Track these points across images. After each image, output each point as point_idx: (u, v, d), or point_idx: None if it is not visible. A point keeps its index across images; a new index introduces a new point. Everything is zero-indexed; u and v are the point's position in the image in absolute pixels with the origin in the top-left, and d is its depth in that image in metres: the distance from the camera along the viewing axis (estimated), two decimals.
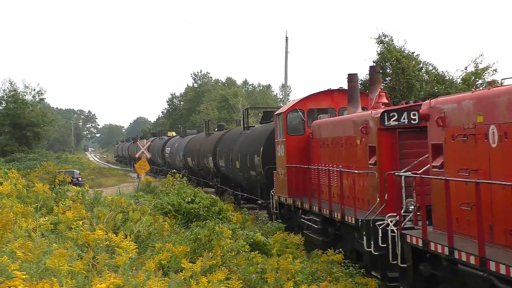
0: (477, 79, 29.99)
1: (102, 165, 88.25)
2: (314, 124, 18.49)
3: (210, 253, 11.38)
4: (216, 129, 44.62)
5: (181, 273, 9.84)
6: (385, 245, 12.18)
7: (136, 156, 40.57)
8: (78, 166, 63.10)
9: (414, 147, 13.07)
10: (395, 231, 11.77)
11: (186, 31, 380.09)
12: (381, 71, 31.93)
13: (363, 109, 17.24)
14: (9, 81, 73.54)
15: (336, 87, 20.00)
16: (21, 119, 66.62)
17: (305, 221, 17.32)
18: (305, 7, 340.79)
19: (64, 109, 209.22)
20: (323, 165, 17.09)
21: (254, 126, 30.17)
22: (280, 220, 19.51)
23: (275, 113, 20.92)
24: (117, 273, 8.65)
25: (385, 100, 15.95)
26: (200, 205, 18.77)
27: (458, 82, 30.77)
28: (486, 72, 30.28)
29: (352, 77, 17.60)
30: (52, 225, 12.83)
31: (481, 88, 10.48)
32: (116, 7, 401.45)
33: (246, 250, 13.25)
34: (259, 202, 27.10)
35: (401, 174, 12.10)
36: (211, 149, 35.92)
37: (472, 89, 11.29)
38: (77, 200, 17.27)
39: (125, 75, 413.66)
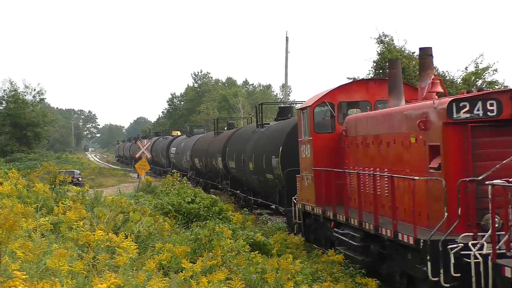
0: (477, 79, 30.00)
1: (102, 165, 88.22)
2: (349, 119, 15.66)
3: (210, 253, 11.38)
4: (226, 128, 42.04)
5: (181, 273, 9.84)
6: (459, 274, 9.69)
7: (136, 156, 40.61)
8: (78, 166, 63.12)
9: (492, 146, 10.59)
10: (480, 257, 9.30)
11: (186, 31, 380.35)
12: (381, 71, 32.00)
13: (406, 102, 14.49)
14: (10, 81, 73.33)
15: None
16: (21, 119, 66.61)
17: (339, 236, 14.65)
18: (305, 7, 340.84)
19: (64, 109, 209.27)
20: (360, 168, 14.29)
21: (269, 124, 27.12)
22: (303, 232, 17.33)
23: (299, 108, 17.93)
24: (118, 273, 8.65)
25: (439, 89, 12.96)
26: (200, 205, 18.78)
27: (458, 82, 30.75)
28: (486, 72, 30.26)
29: (393, 63, 14.89)
30: (52, 225, 12.85)
31: None
32: (116, 7, 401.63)
33: (246, 250, 13.25)
34: (272, 207, 25.33)
35: (493, 183, 9.13)
36: (220, 149, 33.38)
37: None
38: (77, 200, 17.27)
39: (125, 75, 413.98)
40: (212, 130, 54.29)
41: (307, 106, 16.79)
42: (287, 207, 19.55)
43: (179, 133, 65.60)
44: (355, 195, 14.12)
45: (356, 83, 16.83)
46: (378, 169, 13.30)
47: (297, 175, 17.96)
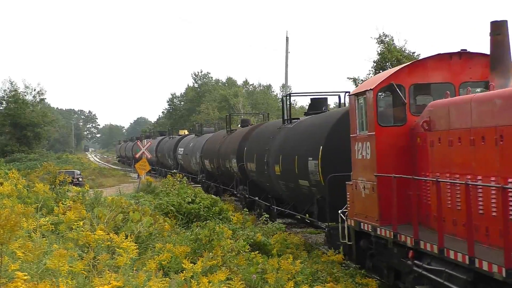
0: None
1: (102, 166, 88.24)
2: (436, 106, 11.16)
3: (211, 254, 11.38)
4: (239, 125, 37.50)
5: (181, 274, 9.85)
6: None
7: (137, 156, 40.61)
8: (78, 166, 63.08)
9: None
10: None
11: (186, 31, 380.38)
12: (381, 71, 32.03)
13: None
14: (10, 81, 73.72)
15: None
16: (21, 119, 66.64)
17: (424, 272, 10.26)
18: (305, 7, 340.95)
19: (64, 109, 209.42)
20: (457, 176, 10.28)
21: (298, 119, 22.61)
22: (356, 256, 13.56)
23: (353, 93, 13.51)
24: (118, 273, 8.65)
25: None
26: (201, 205, 18.78)
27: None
28: None
29: (499, 27, 10.71)
30: (52, 226, 12.86)
31: None
32: (116, 7, 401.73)
33: (247, 250, 13.26)
34: (298, 216, 21.79)
35: None
36: (234, 149, 28.83)
37: None
38: (78, 201, 17.30)
39: (125, 75, 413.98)
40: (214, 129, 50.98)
41: (366, 90, 12.47)
42: (332, 222, 15.30)
43: (186, 132, 61.32)
44: (456, 216, 10.07)
45: (433, 59, 12.30)
46: (493, 179, 9.30)
47: (347, 182, 13.74)
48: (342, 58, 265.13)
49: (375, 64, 32.69)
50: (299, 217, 21.79)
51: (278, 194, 22.64)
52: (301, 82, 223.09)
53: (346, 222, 13.80)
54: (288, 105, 23.11)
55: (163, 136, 65.01)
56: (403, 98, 12.09)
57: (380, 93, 12.33)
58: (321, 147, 16.86)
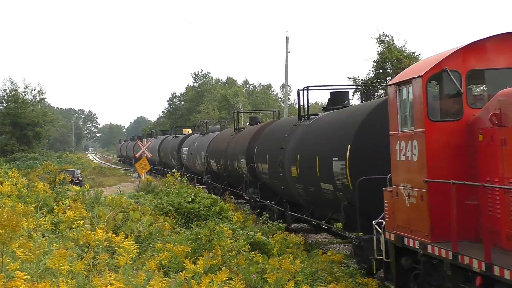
0: None
1: (102, 165, 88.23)
2: (509, 96, 9.00)
3: (211, 253, 11.38)
4: (248, 123, 35.41)
5: (181, 273, 9.84)
6: None
7: (137, 155, 40.61)
8: (78, 166, 63.08)
9: None
10: None
11: (187, 31, 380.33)
12: (381, 70, 32.05)
13: None
14: (10, 80, 73.58)
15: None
16: (21, 119, 66.69)
17: None
18: (305, 7, 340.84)
19: (64, 108, 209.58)
20: None
21: (317, 115, 20.04)
22: (395, 277, 11.34)
23: (394, 82, 11.20)
24: (118, 273, 8.65)
25: None
26: (201, 205, 18.77)
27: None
28: None
29: None
30: (52, 225, 12.85)
31: None
32: (116, 7, 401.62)
33: (247, 250, 13.26)
34: (324, 226, 19.57)
35: None
36: (243, 149, 26.67)
37: None
38: (78, 200, 17.31)
39: (125, 75, 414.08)
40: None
41: (413, 78, 10.36)
42: (366, 232, 13.17)
43: (190, 131, 59.16)
44: None
45: (494, 40, 10.12)
46: None
47: (385, 189, 11.60)
48: (342, 58, 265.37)
49: (375, 64, 32.69)
50: (324, 226, 19.43)
51: (295, 198, 19.88)
52: (301, 82, 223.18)
53: (383, 235, 11.56)
54: (306, 100, 20.20)
55: (166, 135, 62.66)
56: (459, 87, 9.97)
57: (429, 82, 10.17)
58: (349, 145, 14.42)
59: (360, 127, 14.54)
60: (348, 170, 14.36)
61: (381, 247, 11.63)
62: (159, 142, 59.39)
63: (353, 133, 14.60)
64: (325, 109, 20.65)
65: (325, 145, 16.36)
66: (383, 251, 11.54)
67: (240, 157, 27.32)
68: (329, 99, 20.77)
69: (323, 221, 17.90)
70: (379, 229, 11.70)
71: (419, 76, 10.14)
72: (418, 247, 10.14)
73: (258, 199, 24.62)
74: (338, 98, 20.27)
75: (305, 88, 20.41)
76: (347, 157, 14.41)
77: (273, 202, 22.67)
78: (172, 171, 31.84)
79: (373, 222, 11.88)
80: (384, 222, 11.55)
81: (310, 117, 19.83)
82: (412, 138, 10.42)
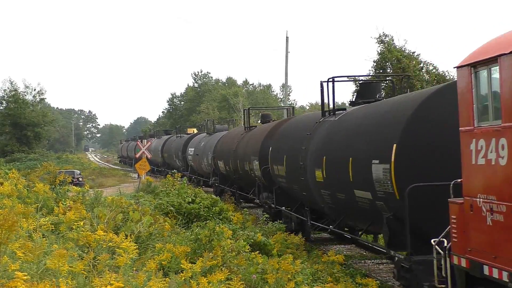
0: None
1: (102, 165, 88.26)
2: None
3: (211, 254, 11.38)
4: (259, 121, 32.50)
5: (181, 274, 9.85)
6: None
7: (137, 156, 40.63)
8: (78, 166, 63.13)
9: None
10: None
11: (186, 31, 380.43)
12: (381, 70, 32.04)
13: None
14: (10, 81, 73.60)
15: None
16: (21, 119, 66.73)
17: None
18: (305, 7, 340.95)
19: (64, 109, 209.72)
20: None
21: (344, 110, 17.14)
22: None
23: (467, 63, 8.63)
24: (118, 273, 8.66)
25: None
26: (201, 205, 18.77)
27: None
28: None
29: None
30: (52, 226, 12.86)
31: None
32: (116, 7, 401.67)
33: (247, 250, 13.25)
34: (360, 241, 17.43)
35: None
36: (256, 149, 24.11)
37: None
38: (78, 201, 17.30)
39: (125, 75, 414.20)
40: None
41: (501, 55, 7.69)
42: (413, 253, 10.90)
43: (195, 130, 56.45)
44: None
45: None
46: None
47: (452, 200, 9.27)
48: (342, 58, 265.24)
49: (375, 64, 32.69)
50: (361, 241, 17.06)
51: (318, 206, 17.10)
52: (301, 82, 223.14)
53: (449, 259, 9.21)
54: (331, 93, 17.26)
55: (170, 135, 59.77)
56: None
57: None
58: (395, 145, 11.64)
59: (409, 122, 11.66)
60: (393, 175, 11.53)
61: (442, 273, 9.28)
62: (162, 142, 57.64)
63: (400, 130, 11.74)
64: (353, 103, 17.72)
65: (361, 144, 13.54)
66: (448, 279, 9.17)
67: (252, 159, 24.60)
68: (358, 91, 18.01)
69: (359, 234, 15.33)
70: (440, 251, 9.40)
71: (503, 55, 7.60)
72: (507, 280, 7.65)
73: (273, 205, 21.61)
74: (369, 90, 17.33)
75: (330, 79, 17.43)
76: (393, 159, 11.59)
77: (288, 208, 20.10)
78: (172, 171, 31.68)
79: (432, 241, 9.50)
80: (448, 242, 9.22)
81: (337, 112, 16.91)
82: (498, 136, 7.84)
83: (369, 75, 17.59)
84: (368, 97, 16.83)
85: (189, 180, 40.40)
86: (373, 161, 12.47)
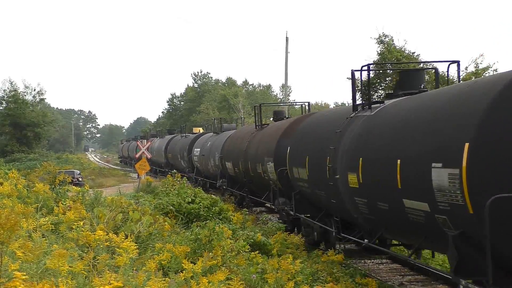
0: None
1: (102, 166, 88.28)
2: None
3: (211, 253, 11.39)
4: (272, 118, 28.77)
5: (181, 274, 9.86)
6: None
7: (136, 156, 40.65)
8: (78, 166, 63.13)
9: None
10: None
11: (186, 31, 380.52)
12: (381, 71, 32.06)
13: None
14: (10, 81, 73.87)
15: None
16: (21, 119, 66.76)
17: None
18: (305, 7, 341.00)
19: (64, 109, 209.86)
20: None
21: (382, 103, 14.00)
22: None
23: None
24: (118, 273, 8.66)
25: None
26: (201, 205, 18.78)
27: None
28: (486, 72, 30.30)
29: None
30: (52, 226, 12.86)
31: None
32: (116, 7, 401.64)
33: (247, 250, 13.27)
34: (412, 262, 14.29)
35: None
36: (271, 149, 21.48)
37: None
38: (77, 200, 17.30)
39: (125, 75, 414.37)
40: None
41: None
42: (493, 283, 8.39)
43: (201, 130, 53.95)
44: None
45: None
46: None
47: None
48: (342, 58, 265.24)
49: (375, 65, 32.70)
50: (414, 263, 14.02)
51: (349, 215, 14.25)
52: (301, 82, 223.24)
53: None
54: (366, 79, 14.63)
55: (174, 135, 56.77)
56: None
57: None
58: (467, 144, 8.88)
59: (487, 113, 8.78)
60: (465, 183, 8.88)
61: None
62: (166, 142, 54.86)
63: (475, 124, 8.88)
64: (391, 95, 15.11)
65: (413, 143, 10.94)
66: None
67: (265, 160, 22.00)
68: (398, 82, 15.52)
69: (410, 255, 12.64)
70: None
71: None
72: None
73: (292, 213, 18.67)
74: (411, 80, 14.69)
75: (364, 67, 14.54)
76: (464, 162, 8.87)
77: (307, 215, 17.78)
78: (172, 171, 31.56)
79: None
80: None
81: (372, 106, 14.03)
82: None
83: (410, 62, 14.29)
84: (410, 87, 14.28)
85: (195, 182, 39.33)
86: (433, 164, 9.82)
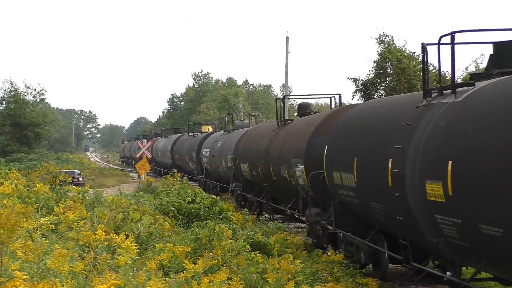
0: None
1: (102, 166, 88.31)
2: None
3: (211, 253, 11.40)
4: (297, 113, 24.76)
5: (182, 274, 9.87)
6: None
7: (137, 156, 40.65)
8: (78, 166, 63.13)
9: None
10: None
11: (186, 31, 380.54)
12: (381, 71, 32.06)
13: None
14: (10, 81, 73.82)
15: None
16: (21, 119, 66.77)
17: None
18: (305, 7, 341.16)
19: (64, 109, 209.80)
20: None
21: (472, 85, 10.28)
22: None
23: None
24: (118, 273, 8.67)
25: None
26: (201, 205, 18.79)
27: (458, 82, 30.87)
28: None
29: None
30: (52, 225, 12.87)
31: None
32: (116, 7, 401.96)
33: (247, 250, 13.27)
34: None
35: None
36: (300, 149, 17.73)
37: None
38: (78, 200, 17.32)
39: (125, 75, 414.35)
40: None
41: None
42: None
43: (210, 128, 48.56)
44: None
45: None
46: None
47: None
48: (342, 58, 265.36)
49: (375, 64, 32.72)
50: None
51: (422, 238, 10.64)
52: (301, 82, 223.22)
53: None
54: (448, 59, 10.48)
55: (181, 134, 52.71)
56: None
57: None
58: None
59: None
60: None
61: None
62: (172, 142, 50.80)
63: None
64: (477, 76, 11.13)
65: None
66: None
67: (293, 162, 18.27)
68: (491, 57, 11.32)
69: None
70: None
71: None
72: None
73: (331, 227, 15.19)
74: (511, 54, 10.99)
75: (446, 36, 9.92)
76: None
77: (349, 231, 14.38)
78: (172, 171, 31.35)
79: None
80: None
81: (458, 90, 10.32)
82: None
83: (509, 29, 10.13)
84: (510, 64, 10.80)
85: (204, 185, 36.28)
86: None
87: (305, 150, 17.40)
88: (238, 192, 27.63)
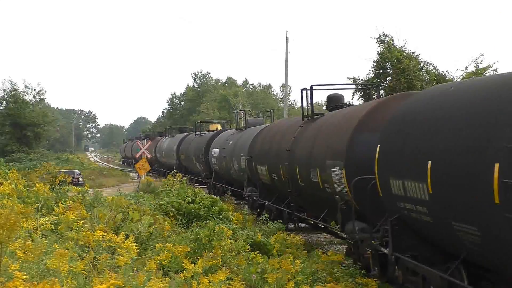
0: None
1: (102, 165, 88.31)
2: None
3: (211, 253, 11.39)
4: (325, 107, 22.43)
5: (181, 274, 9.87)
6: None
7: (137, 156, 40.67)
8: (78, 166, 63.13)
9: None
10: None
11: (186, 31, 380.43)
12: (381, 71, 32.08)
13: None
14: (10, 81, 74.00)
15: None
16: (21, 119, 66.83)
17: None
18: (305, 7, 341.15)
19: (64, 109, 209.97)
20: None
21: None
22: None
23: None
24: (118, 273, 8.67)
25: None
26: (201, 205, 18.78)
27: None
28: (486, 72, 30.35)
29: None
30: (52, 225, 12.87)
31: None
32: (116, 7, 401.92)
33: (247, 250, 13.26)
34: None
35: None
36: (339, 149, 14.17)
37: None
38: (78, 200, 17.32)
39: (125, 75, 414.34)
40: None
41: None
42: None
43: (219, 126, 44.62)
44: None
45: None
46: None
47: None
48: (342, 58, 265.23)
49: (375, 64, 32.74)
50: None
51: None
52: (301, 82, 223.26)
53: None
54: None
55: (187, 133, 49.44)
56: None
57: None
58: None
59: None
60: None
61: None
62: (178, 142, 47.18)
63: None
64: None
65: None
66: None
67: (328, 164, 14.64)
68: None
69: None
70: None
71: None
72: None
73: (386, 251, 11.51)
74: None
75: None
76: None
77: (411, 256, 10.82)
78: (173, 171, 31.17)
79: None
80: None
81: None
82: None
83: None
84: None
85: (214, 188, 32.82)
86: None
87: (345, 150, 13.74)
88: (254, 198, 23.89)
